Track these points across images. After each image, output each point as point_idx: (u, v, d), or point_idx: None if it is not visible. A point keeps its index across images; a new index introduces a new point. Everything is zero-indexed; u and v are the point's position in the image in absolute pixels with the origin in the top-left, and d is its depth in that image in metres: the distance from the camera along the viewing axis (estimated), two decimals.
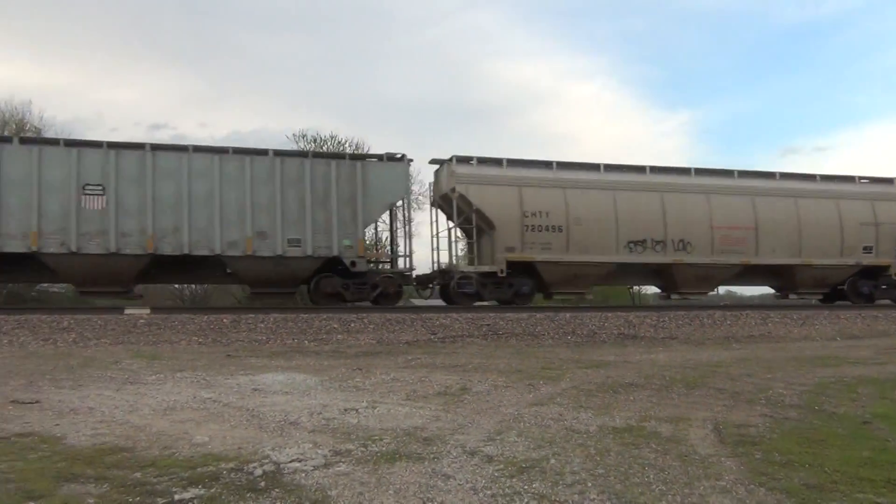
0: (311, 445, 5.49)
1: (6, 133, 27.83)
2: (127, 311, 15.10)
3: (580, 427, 6.34)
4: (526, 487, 4.52)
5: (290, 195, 17.77)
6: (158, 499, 4.22)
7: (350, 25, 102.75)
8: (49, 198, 16.24)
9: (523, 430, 6.21)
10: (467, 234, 20.05)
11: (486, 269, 18.98)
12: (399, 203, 19.57)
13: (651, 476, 4.79)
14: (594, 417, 6.78)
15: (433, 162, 20.40)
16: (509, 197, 19.04)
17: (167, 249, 16.82)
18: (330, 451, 5.36)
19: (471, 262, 19.74)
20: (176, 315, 14.69)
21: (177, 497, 4.23)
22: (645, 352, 12.97)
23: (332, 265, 18.13)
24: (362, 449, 5.44)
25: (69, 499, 4.20)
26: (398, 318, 15.20)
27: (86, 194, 16.41)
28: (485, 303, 19.46)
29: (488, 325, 15.09)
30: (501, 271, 18.74)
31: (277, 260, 17.58)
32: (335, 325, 14.39)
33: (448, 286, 19.16)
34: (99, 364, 10.18)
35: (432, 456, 5.25)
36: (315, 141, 33.04)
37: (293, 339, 13.32)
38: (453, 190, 18.97)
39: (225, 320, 14.18)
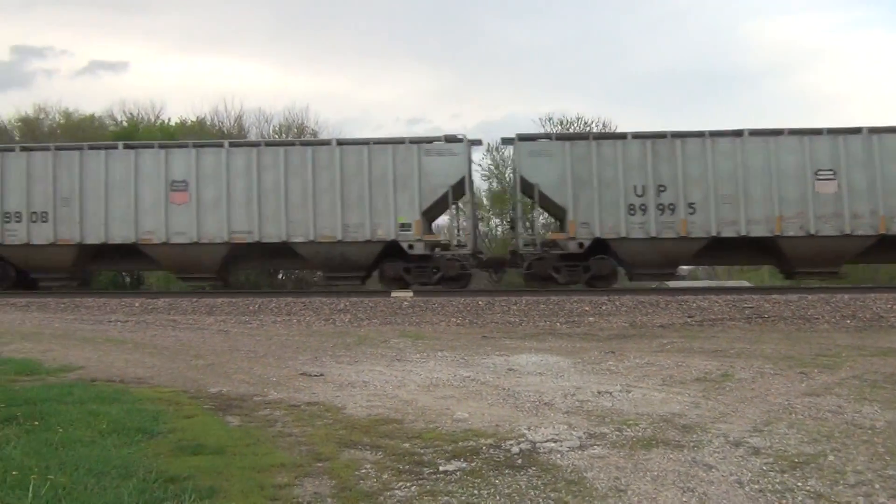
0: (565, 427, 5.54)
1: (288, 137, 31.44)
2: (393, 295, 16.35)
3: (864, 422, 5.68)
4: (800, 485, 4.16)
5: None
6: (425, 468, 4.53)
7: (592, 3, 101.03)
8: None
9: (795, 421, 5.71)
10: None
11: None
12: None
13: None
14: (881, 412, 6.03)
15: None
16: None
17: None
18: (585, 433, 5.37)
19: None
20: (436, 298, 15.61)
21: (441, 468, 4.51)
22: None
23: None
24: (617, 433, 5.37)
25: (350, 463, 4.66)
26: (652, 300, 14.74)
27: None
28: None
29: (751, 307, 14.07)
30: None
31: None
32: (587, 308, 14.34)
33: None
34: (371, 342, 11.17)
35: (692, 444, 5.03)
36: (561, 123, 33.00)
37: (545, 322, 13.50)
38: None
39: (480, 303, 14.78)
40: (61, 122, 35.63)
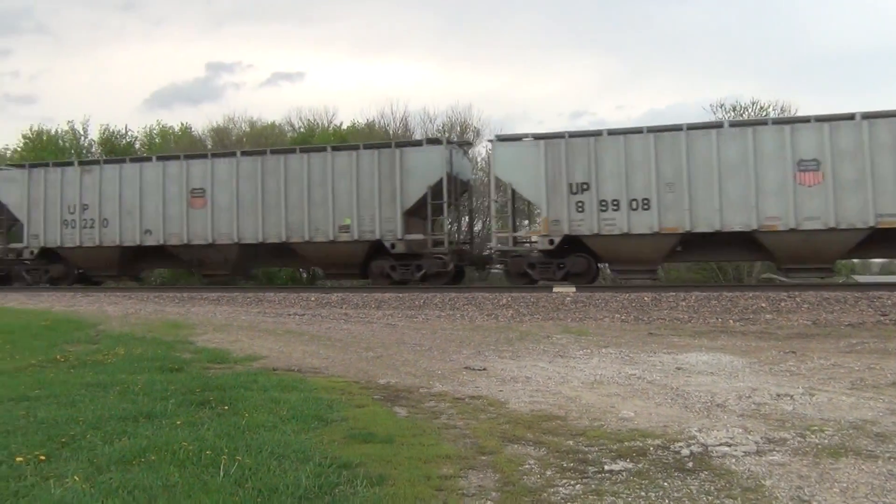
0: (740, 430, 5.22)
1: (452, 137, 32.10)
2: (555, 290, 16.21)
3: None
4: None
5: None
6: (590, 467, 4.45)
7: None
8: None
9: None
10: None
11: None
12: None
13: None
14: None
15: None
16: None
17: None
18: (762, 437, 5.03)
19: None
20: (600, 293, 15.30)
21: (607, 467, 4.41)
22: None
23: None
24: (800, 439, 4.99)
25: (513, 458, 4.68)
26: (838, 296, 13.56)
27: None
28: None
29: None
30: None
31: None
32: (763, 305, 13.46)
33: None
34: (532, 338, 11.14)
35: (888, 455, 4.57)
36: (734, 109, 31.21)
37: (716, 319, 12.82)
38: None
39: (646, 298, 14.31)
40: (247, 130, 38.58)
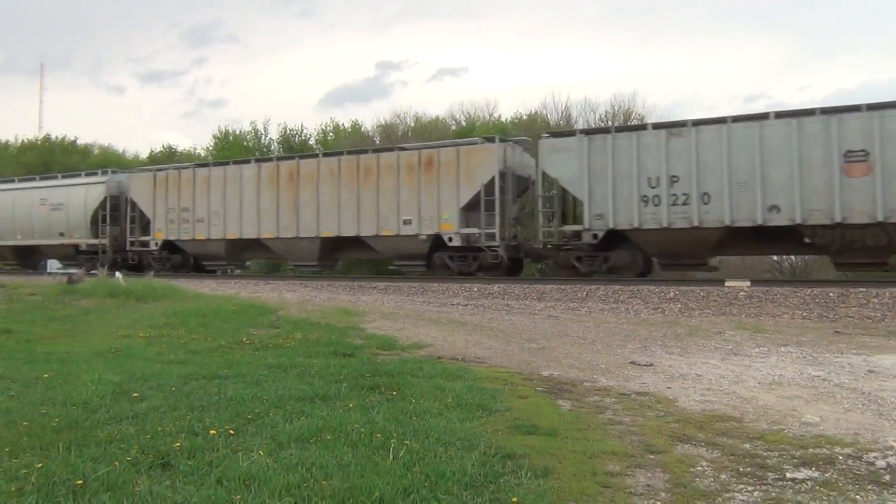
0: None
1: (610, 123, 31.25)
2: (728, 284, 15.37)
3: None
4: None
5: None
6: (769, 473, 4.16)
7: None
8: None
9: None
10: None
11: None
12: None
13: None
14: None
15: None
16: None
17: None
18: None
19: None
20: (777, 288, 14.31)
21: (788, 475, 4.11)
22: None
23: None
24: None
25: (684, 458, 4.48)
26: None
27: None
28: None
29: None
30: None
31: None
32: None
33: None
34: (703, 334, 10.62)
35: None
36: None
37: None
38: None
39: (831, 294, 13.20)
40: (412, 125, 39.76)
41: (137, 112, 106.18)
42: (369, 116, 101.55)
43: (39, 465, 3.92)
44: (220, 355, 8.88)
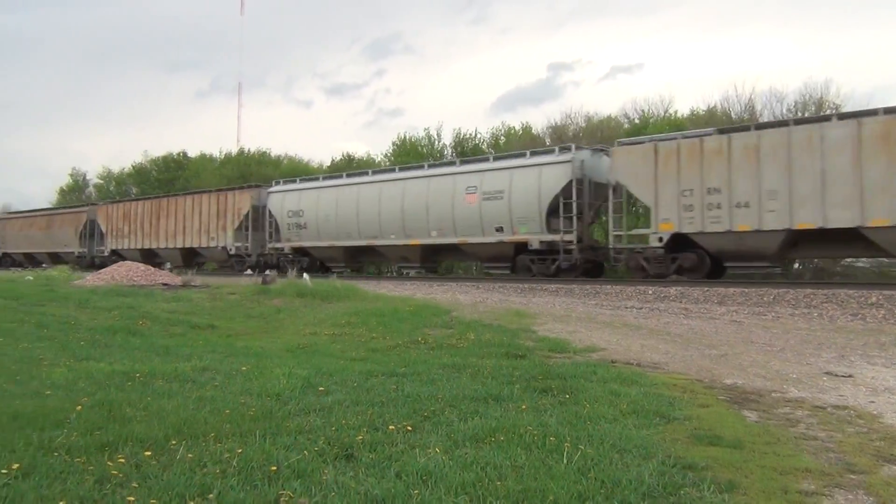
0: None
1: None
2: None
3: None
4: None
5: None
6: None
7: None
8: None
9: None
10: None
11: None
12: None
13: None
14: None
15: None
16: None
17: None
18: None
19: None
20: None
21: None
22: None
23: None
24: None
25: (892, 480, 4.05)
26: None
27: None
28: None
29: None
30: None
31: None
32: None
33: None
34: None
35: None
36: None
37: None
38: None
39: None
40: (583, 126, 39.19)
41: (322, 124, 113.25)
42: (540, 119, 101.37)
43: (240, 450, 4.27)
44: (398, 354, 9.24)
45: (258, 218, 30.24)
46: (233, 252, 30.93)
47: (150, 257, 33.89)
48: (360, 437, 4.63)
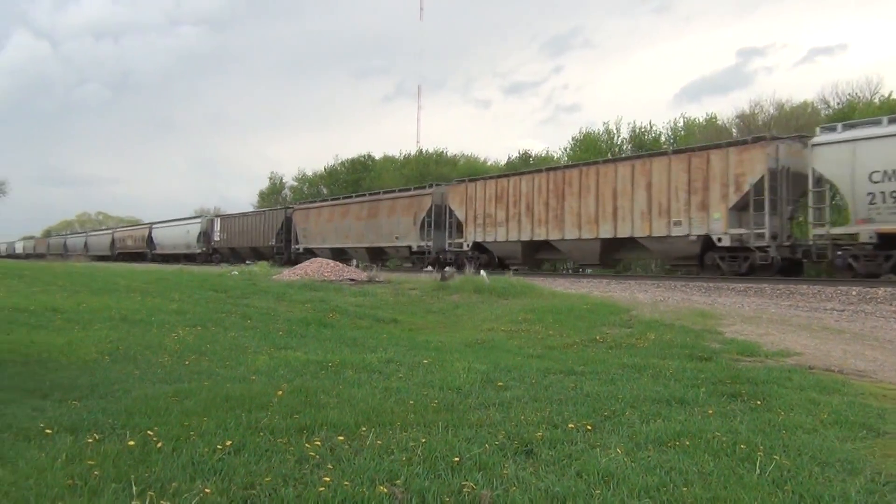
0: None
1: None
2: None
3: None
4: None
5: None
6: None
7: None
8: None
9: None
10: None
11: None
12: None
13: None
14: None
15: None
16: None
17: None
18: None
19: None
20: None
21: None
22: None
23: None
24: None
25: None
26: None
27: None
28: None
29: None
30: None
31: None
32: None
33: None
34: None
35: None
36: None
37: None
38: None
39: None
40: (774, 114, 36.56)
41: (499, 122, 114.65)
42: (727, 109, 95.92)
43: (424, 439, 4.43)
44: (575, 352, 9.15)
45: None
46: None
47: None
48: (540, 434, 4.64)
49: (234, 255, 46.72)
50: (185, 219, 58.18)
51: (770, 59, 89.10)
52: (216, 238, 49.86)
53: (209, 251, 50.23)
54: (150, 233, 60.08)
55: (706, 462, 4.13)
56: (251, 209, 60.61)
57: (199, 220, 54.54)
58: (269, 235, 43.59)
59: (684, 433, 4.73)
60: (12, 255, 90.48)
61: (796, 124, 29.92)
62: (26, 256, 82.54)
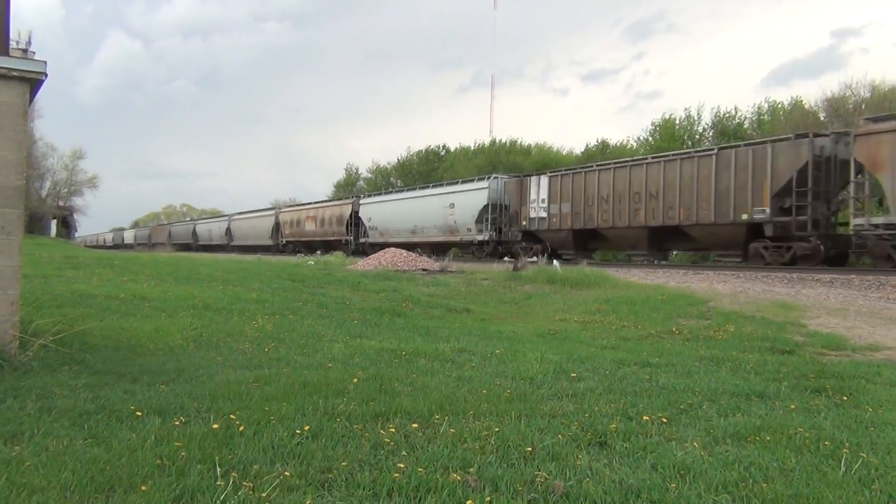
0: None
1: None
2: None
3: None
4: None
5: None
6: None
7: None
8: None
9: None
10: None
11: None
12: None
13: None
14: None
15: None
16: None
17: None
18: None
19: None
20: None
21: None
22: None
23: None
24: None
25: None
26: None
27: None
28: None
29: None
30: None
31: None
32: None
33: None
34: None
35: None
36: None
37: None
38: None
39: None
40: (867, 97, 34.82)
41: (576, 111, 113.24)
42: (817, 93, 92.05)
43: (496, 429, 4.45)
44: (650, 343, 9.00)
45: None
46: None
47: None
48: (614, 426, 4.60)
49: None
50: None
51: (867, 40, 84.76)
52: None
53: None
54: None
55: (788, 458, 4.01)
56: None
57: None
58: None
59: (764, 428, 4.60)
60: (119, 246, 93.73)
61: (889, 107, 28.42)
62: (137, 245, 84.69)
